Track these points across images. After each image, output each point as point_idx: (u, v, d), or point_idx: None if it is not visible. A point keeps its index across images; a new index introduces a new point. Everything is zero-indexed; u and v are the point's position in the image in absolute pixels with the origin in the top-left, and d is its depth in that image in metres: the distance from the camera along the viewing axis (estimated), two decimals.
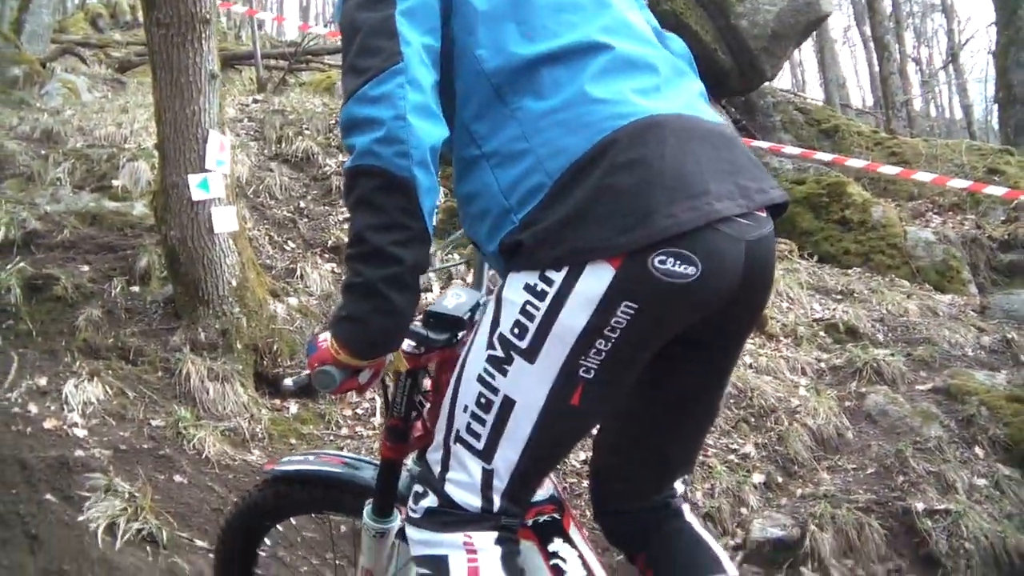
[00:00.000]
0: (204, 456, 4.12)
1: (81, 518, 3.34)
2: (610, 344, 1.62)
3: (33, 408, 4.10)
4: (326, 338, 1.82)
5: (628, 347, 1.64)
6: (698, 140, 1.70)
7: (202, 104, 4.84)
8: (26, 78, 9.34)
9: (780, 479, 4.68)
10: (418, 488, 1.83)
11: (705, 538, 2.12)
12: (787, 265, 7.35)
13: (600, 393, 1.69)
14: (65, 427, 4.02)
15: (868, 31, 21.25)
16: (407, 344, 1.99)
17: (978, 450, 5.00)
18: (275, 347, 4.98)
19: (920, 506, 4.39)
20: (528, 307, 1.64)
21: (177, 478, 3.90)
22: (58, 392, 4.27)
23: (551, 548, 1.99)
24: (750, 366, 5.63)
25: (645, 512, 2.10)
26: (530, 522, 2.00)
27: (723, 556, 2.09)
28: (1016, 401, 5.32)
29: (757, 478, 4.61)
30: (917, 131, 19.28)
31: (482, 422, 1.71)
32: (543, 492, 2.05)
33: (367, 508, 2.17)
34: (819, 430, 5.01)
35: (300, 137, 7.80)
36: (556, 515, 2.06)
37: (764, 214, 1.76)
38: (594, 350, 1.62)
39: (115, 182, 6.48)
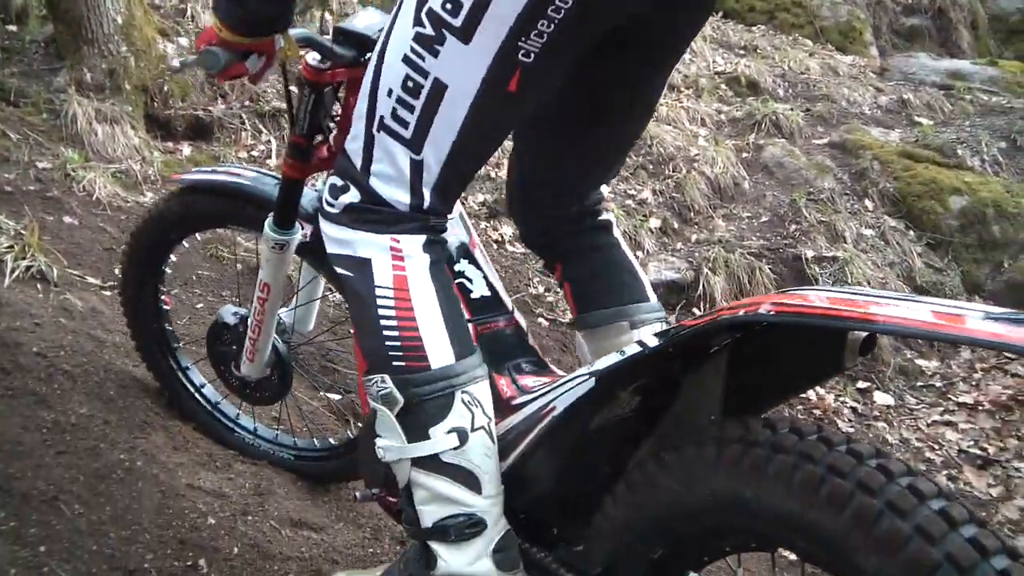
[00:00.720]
0: (95, 198, 4.00)
1: None
2: (553, 26, 1.46)
3: None
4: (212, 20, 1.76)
5: (572, 29, 1.49)
6: None
7: None
8: None
9: (676, 225, 4.77)
10: (336, 181, 1.67)
11: (629, 260, 2.05)
12: None
13: (538, 79, 1.55)
14: None
15: None
16: (312, 57, 1.88)
17: (868, 202, 5.14)
18: (166, 88, 4.78)
19: (810, 253, 4.54)
20: None
21: (67, 219, 3.79)
22: None
23: (457, 268, 1.96)
24: None
25: (568, 219, 2.02)
26: None
27: (646, 281, 2.03)
28: (907, 157, 5.46)
29: (654, 223, 4.70)
30: None
31: (410, 108, 1.55)
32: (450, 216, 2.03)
33: (268, 220, 2.11)
34: (716, 179, 5.09)
35: None
36: (463, 238, 2.02)
37: None
38: (535, 31, 1.46)
39: None
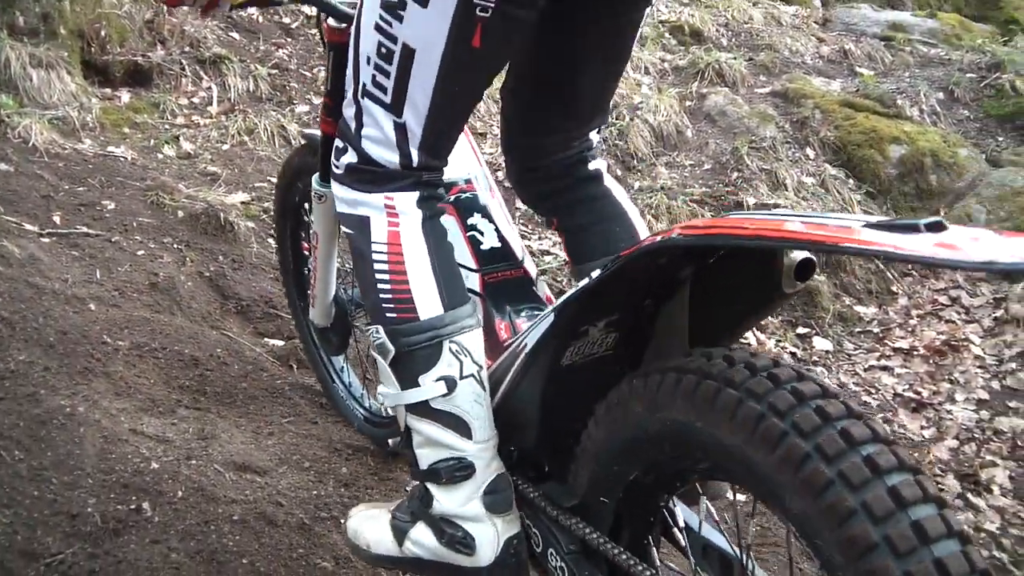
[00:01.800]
0: (31, 144, 3.93)
1: None
2: None
3: None
4: None
5: None
6: None
7: None
8: None
9: (619, 172, 4.78)
10: (339, 143, 1.75)
11: (620, 209, 2.03)
12: None
13: (501, 30, 1.56)
14: None
15: None
16: (330, 21, 1.98)
17: (809, 151, 5.20)
18: (103, 33, 4.68)
19: (751, 200, 4.58)
20: None
21: (2, 166, 3.72)
22: None
23: (469, 222, 2.03)
24: None
25: (557, 171, 2.01)
26: (452, 199, 2.04)
27: (641, 227, 2.01)
28: (848, 106, 5.51)
29: None
30: None
31: (386, 74, 1.60)
32: (463, 172, 2.07)
33: (315, 175, 2.26)
34: (659, 127, 5.11)
35: None
36: (479, 192, 2.09)
37: None
38: None
39: None
